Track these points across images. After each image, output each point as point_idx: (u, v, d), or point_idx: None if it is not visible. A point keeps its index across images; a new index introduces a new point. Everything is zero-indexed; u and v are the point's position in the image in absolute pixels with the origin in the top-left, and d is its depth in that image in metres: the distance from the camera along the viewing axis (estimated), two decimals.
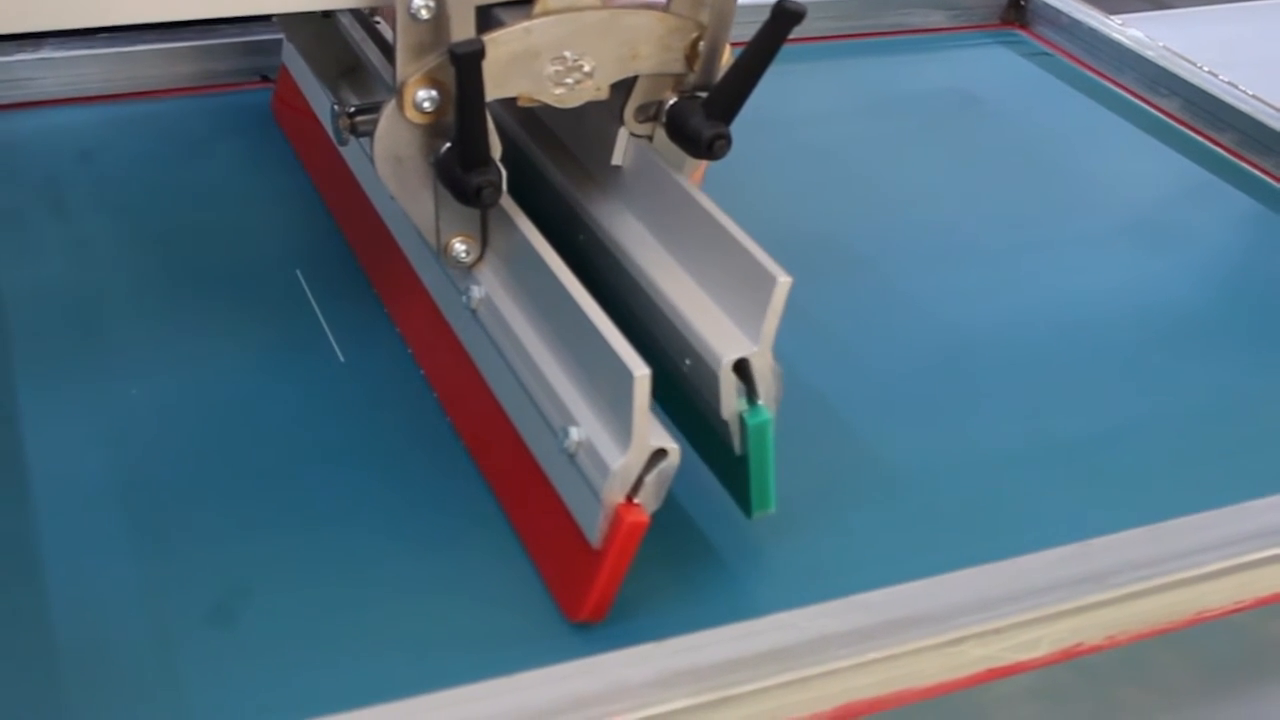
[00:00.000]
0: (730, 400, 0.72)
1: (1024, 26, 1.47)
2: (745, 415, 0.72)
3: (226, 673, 0.68)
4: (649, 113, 0.80)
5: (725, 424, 0.72)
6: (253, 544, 0.75)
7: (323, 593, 0.72)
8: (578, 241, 0.81)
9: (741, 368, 0.71)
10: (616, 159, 0.81)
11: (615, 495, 0.68)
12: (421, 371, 0.87)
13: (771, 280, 0.70)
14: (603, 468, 0.67)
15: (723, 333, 0.72)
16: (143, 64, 1.18)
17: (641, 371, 0.66)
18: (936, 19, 1.46)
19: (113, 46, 1.17)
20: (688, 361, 0.73)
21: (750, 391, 0.72)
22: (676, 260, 0.77)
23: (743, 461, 0.74)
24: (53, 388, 0.84)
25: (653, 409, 0.68)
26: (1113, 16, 1.43)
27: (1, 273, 0.94)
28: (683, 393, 0.75)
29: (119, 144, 1.12)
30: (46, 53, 1.16)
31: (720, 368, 0.71)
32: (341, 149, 0.97)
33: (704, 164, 0.82)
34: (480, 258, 0.79)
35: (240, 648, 0.69)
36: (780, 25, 0.74)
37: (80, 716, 0.65)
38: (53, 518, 0.75)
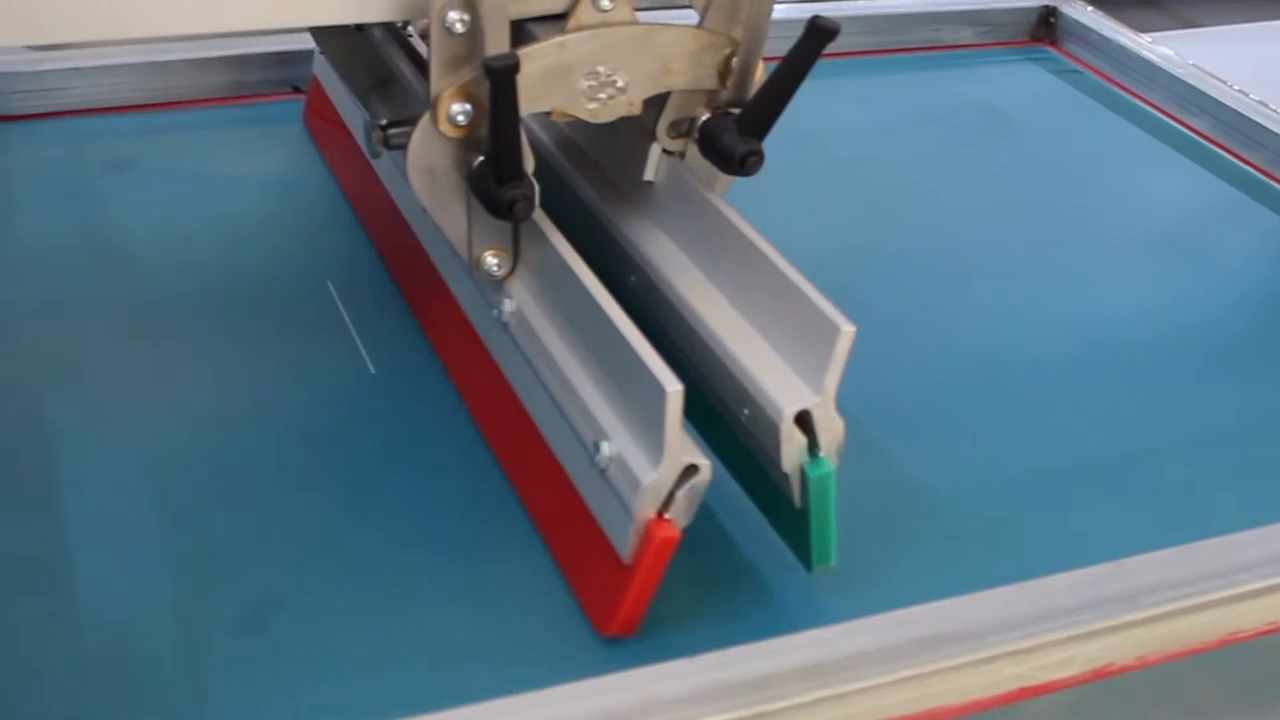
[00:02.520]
0: (792, 453, 0.71)
1: (1054, 44, 1.47)
2: (807, 468, 0.71)
3: (258, 681, 0.68)
4: (681, 128, 0.80)
5: (785, 476, 0.71)
6: (284, 554, 0.75)
7: (354, 602, 0.73)
8: (629, 283, 0.81)
9: (803, 419, 0.70)
10: (649, 174, 0.81)
11: (646, 510, 0.67)
12: (452, 384, 0.87)
13: (835, 330, 0.69)
14: (634, 483, 0.67)
15: (784, 383, 0.71)
16: (174, 74, 1.18)
17: (674, 387, 0.65)
18: (966, 35, 1.46)
19: (144, 56, 1.17)
20: (746, 411, 0.73)
21: (812, 443, 0.71)
22: (732, 303, 0.77)
23: (803, 515, 0.73)
24: (84, 397, 0.84)
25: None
26: (1142, 35, 1.43)
27: (32, 283, 0.95)
28: (740, 442, 0.75)
29: (150, 154, 1.12)
30: (77, 62, 1.16)
31: (782, 419, 0.70)
32: (373, 161, 0.98)
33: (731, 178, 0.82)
34: (512, 271, 0.79)
35: (272, 657, 0.69)
36: (814, 42, 0.74)
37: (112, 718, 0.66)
38: (84, 527, 0.75)
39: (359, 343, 0.90)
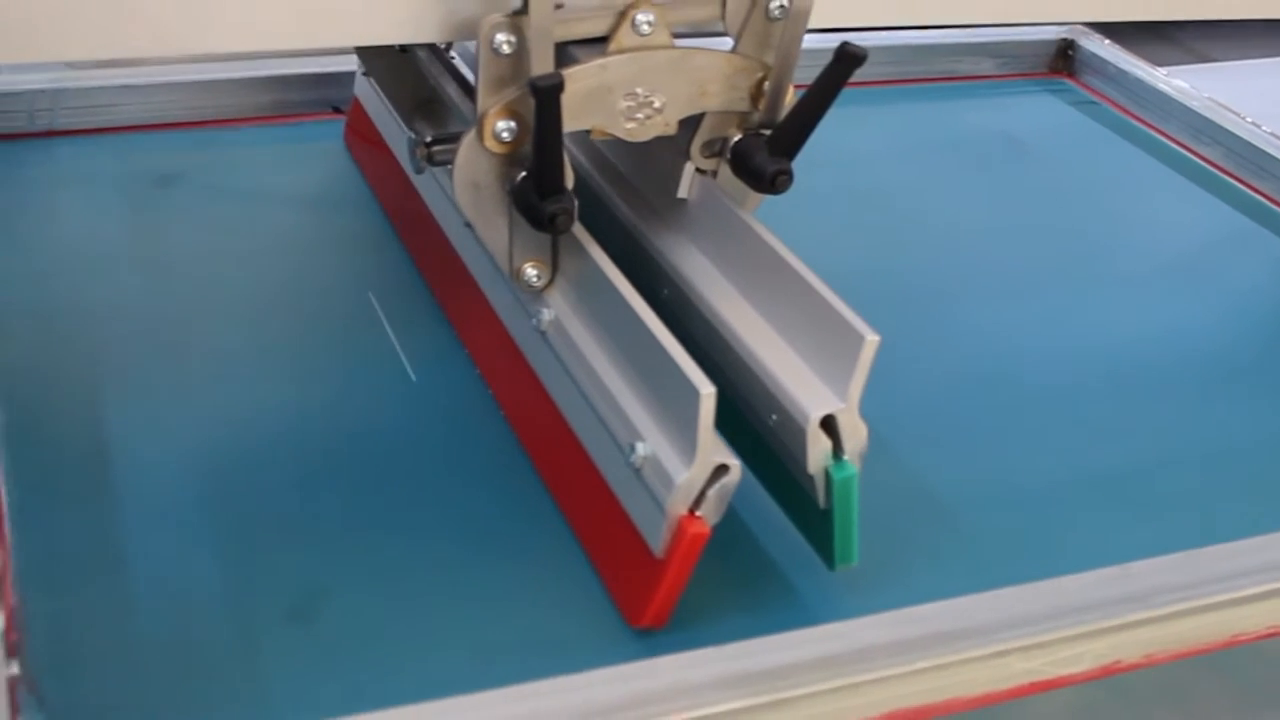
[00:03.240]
0: (817, 455, 0.74)
1: (1071, 76, 1.51)
2: (831, 470, 0.74)
3: (305, 667, 0.71)
4: (714, 148, 0.84)
5: (810, 478, 0.74)
6: (329, 548, 0.78)
7: (396, 594, 0.76)
8: (662, 295, 0.84)
9: (829, 424, 0.73)
10: (682, 192, 0.85)
11: (679, 507, 0.70)
12: (490, 391, 0.91)
13: (859, 338, 0.72)
14: (668, 481, 0.70)
15: (810, 389, 0.74)
16: (220, 93, 1.22)
17: (707, 390, 0.69)
18: (986, 67, 1.49)
19: (191, 75, 1.21)
20: (774, 416, 0.75)
21: (837, 447, 0.74)
22: (761, 314, 0.80)
23: (827, 515, 0.75)
24: (137, 398, 0.88)
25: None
26: (1158, 68, 1.46)
27: (87, 290, 0.98)
28: (767, 446, 0.78)
29: (196, 170, 1.16)
30: (125, 79, 1.20)
31: (808, 424, 0.73)
32: (413, 178, 1.01)
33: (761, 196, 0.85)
34: (550, 282, 0.83)
35: (318, 644, 0.72)
36: (843, 66, 0.77)
37: (166, 703, 0.69)
38: (138, 523, 0.79)
39: (400, 352, 0.94)
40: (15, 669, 0.64)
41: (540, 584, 0.78)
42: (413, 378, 0.92)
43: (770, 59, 0.81)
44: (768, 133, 0.82)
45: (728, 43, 0.82)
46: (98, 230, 1.06)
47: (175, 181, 1.13)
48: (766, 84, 0.81)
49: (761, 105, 0.82)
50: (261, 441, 0.86)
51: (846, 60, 0.77)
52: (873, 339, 0.72)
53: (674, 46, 0.79)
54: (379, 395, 0.90)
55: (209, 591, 0.75)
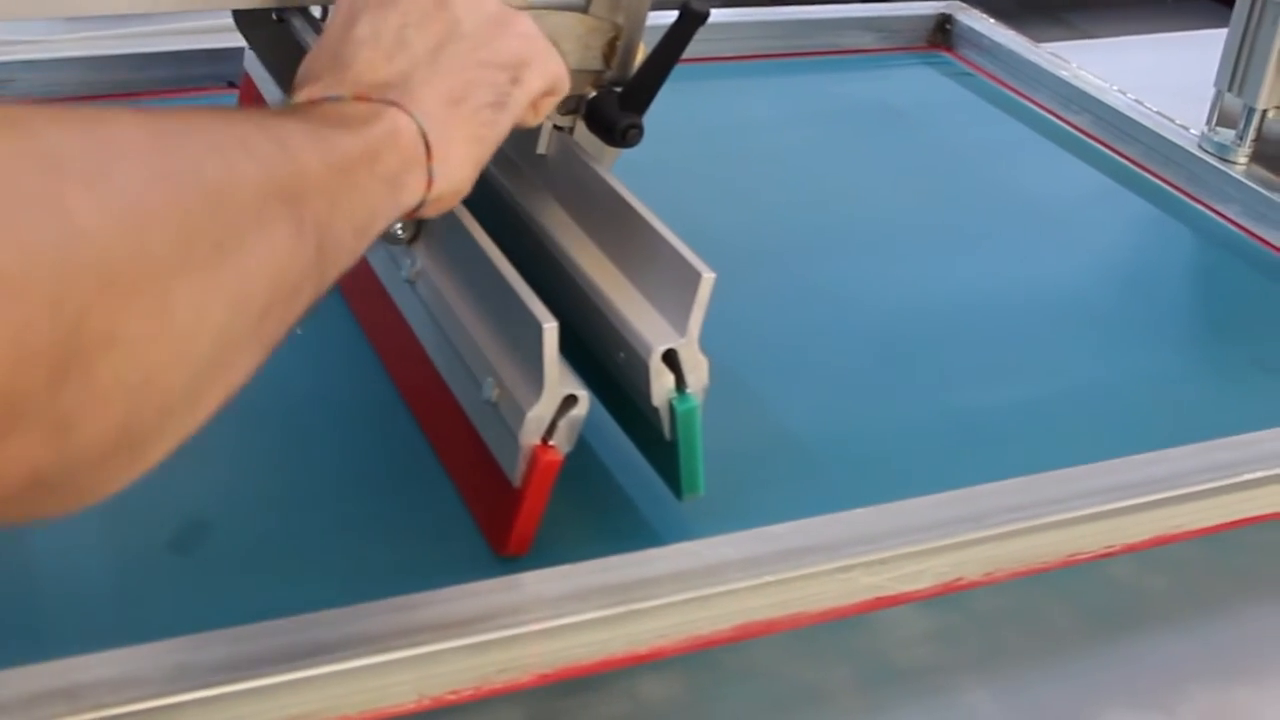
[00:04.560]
0: (660, 388, 0.77)
1: (949, 49, 1.55)
2: (674, 402, 0.77)
3: (184, 591, 0.74)
4: (570, 106, 0.87)
5: (655, 411, 0.77)
6: (210, 486, 0.81)
7: (270, 527, 0.79)
8: (523, 246, 0.86)
9: (670, 358, 0.76)
10: (541, 148, 0.88)
11: (531, 438, 0.73)
12: (368, 342, 0.94)
13: (697, 276, 0.75)
14: (520, 414, 0.73)
15: (652, 326, 0.77)
16: (119, 68, 1.24)
17: (549, 323, 0.72)
18: (868, 40, 1.54)
19: (90, 50, 1.23)
20: (622, 354, 0.78)
21: (679, 380, 0.77)
22: (610, 259, 0.82)
23: (673, 447, 0.78)
24: None
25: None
26: (1041, 45, 1.51)
27: None
28: (618, 386, 0.80)
29: None
30: (24, 54, 1.21)
31: (651, 357, 0.76)
32: None
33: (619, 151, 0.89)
34: (416, 236, 0.85)
35: (197, 572, 0.75)
36: (687, 25, 0.81)
37: (53, 624, 0.72)
38: None
39: None
40: None
41: (413, 517, 0.81)
42: (297, 331, 0.94)
43: (621, 19, 0.85)
44: (619, 89, 0.86)
45: None
46: None
47: None
48: (618, 43, 0.85)
49: (614, 64, 0.85)
50: None
51: (690, 18, 0.81)
52: (709, 276, 0.75)
53: (531, 7, 0.81)
54: None
55: (94, 525, 0.77)
